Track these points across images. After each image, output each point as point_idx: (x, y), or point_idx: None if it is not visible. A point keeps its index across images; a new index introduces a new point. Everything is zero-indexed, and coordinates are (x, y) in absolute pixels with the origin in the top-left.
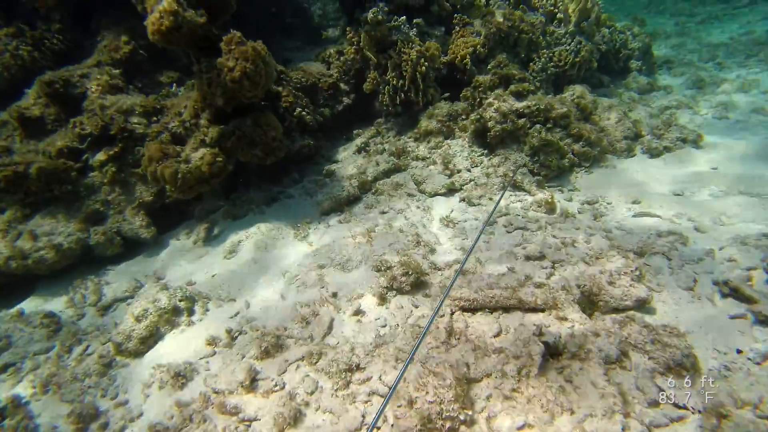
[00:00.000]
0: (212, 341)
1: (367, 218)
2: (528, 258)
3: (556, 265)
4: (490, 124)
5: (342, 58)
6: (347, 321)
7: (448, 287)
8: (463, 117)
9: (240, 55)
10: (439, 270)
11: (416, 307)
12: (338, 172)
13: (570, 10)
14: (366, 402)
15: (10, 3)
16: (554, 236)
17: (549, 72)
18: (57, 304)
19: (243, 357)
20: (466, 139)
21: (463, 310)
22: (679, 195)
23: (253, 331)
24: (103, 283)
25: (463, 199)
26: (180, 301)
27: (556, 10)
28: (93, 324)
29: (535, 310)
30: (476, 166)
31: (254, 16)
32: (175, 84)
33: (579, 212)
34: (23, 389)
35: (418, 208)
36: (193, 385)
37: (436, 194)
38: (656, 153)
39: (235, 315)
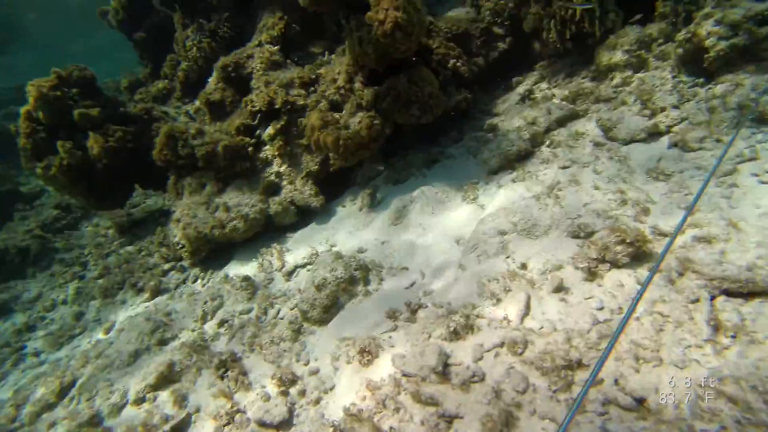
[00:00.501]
0: (392, 314)
1: (545, 175)
2: None
3: None
4: (708, 42)
5: None
6: (547, 299)
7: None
8: (660, 42)
9: (389, 5)
10: (666, 236)
11: (641, 284)
12: (502, 125)
13: None
14: (601, 415)
15: (191, 1)
16: None
17: None
18: (251, 269)
19: (429, 336)
20: (668, 70)
21: (728, 294)
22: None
23: (437, 308)
24: (284, 250)
25: (674, 144)
26: (355, 270)
27: None
28: (281, 290)
29: None
30: (688, 101)
31: None
32: (326, 52)
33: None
34: (236, 346)
35: (611, 159)
36: (380, 363)
37: (632, 140)
38: None
39: (411, 285)
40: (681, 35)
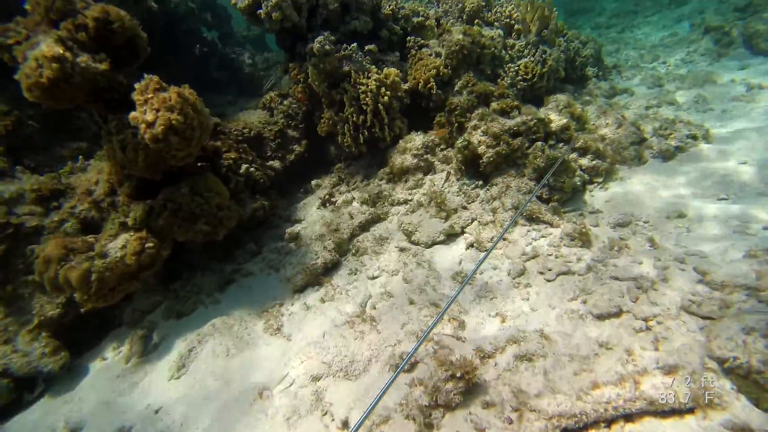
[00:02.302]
0: None
1: (355, 289)
2: (600, 317)
3: (651, 322)
4: (480, 149)
5: (286, 102)
6: None
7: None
8: (442, 147)
9: (160, 104)
10: (489, 356)
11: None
12: (304, 233)
13: (529, 19)
14: None
15: None
16: (617, 278)
17: (519, 87)
18: None
19: None
20: (452, 172)
21: None
22: (724, 199)
23: None
24: None
25: (471, 245)
26: None
27: (513, 22)
28: None
29: (679, 412)
30: (473, 201)
31: (174, 77)
32: (81, 157)
33: (621, 237)
34: None
35: (419, 265)
36: None
37: (434, 243)
38: (669, 155)
39: None
40: (459, 142)
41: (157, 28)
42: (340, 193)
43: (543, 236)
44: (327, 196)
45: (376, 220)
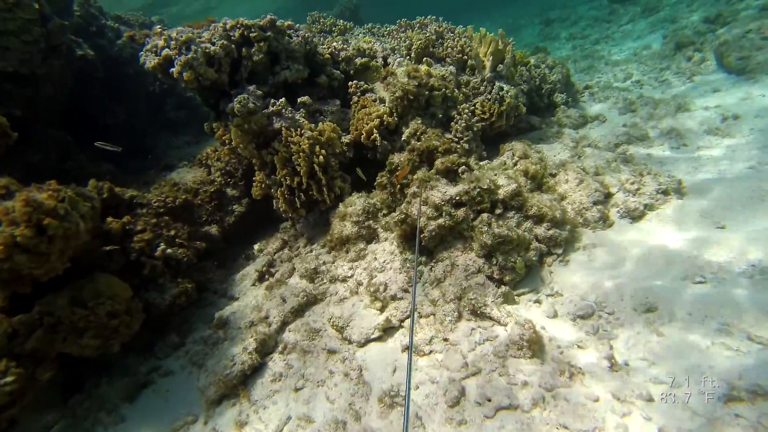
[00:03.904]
0: None
1: (274, 405)
2: None
3: None
4: (421, 221)
5: (224, 159)
6: None
7: None
8: (384, 212)
9: (2, 217)
10: None
11: None
12: (234, 319)
13: (482, 54)
14: None
15: None
16: (565, 427)
17: (475, 129)
18: None
19: None
20: (395, 242)
21: None
22: (701, 282)
23: None
24: None
25: (406, 348)
26: None
27: (466, 57)
28: None
29: None
30: (416, 283)
31: (121, 123)
32: None
33: (579, 345)
34: None
35: (347, 376)
36: None
37: (367, 341)
38: (638, 215)
39: None
40: (397, 214)
41: (96, 76)
42: (281, 261)
43: (488, 339)
44: (265, 268)
45: (312, 302)
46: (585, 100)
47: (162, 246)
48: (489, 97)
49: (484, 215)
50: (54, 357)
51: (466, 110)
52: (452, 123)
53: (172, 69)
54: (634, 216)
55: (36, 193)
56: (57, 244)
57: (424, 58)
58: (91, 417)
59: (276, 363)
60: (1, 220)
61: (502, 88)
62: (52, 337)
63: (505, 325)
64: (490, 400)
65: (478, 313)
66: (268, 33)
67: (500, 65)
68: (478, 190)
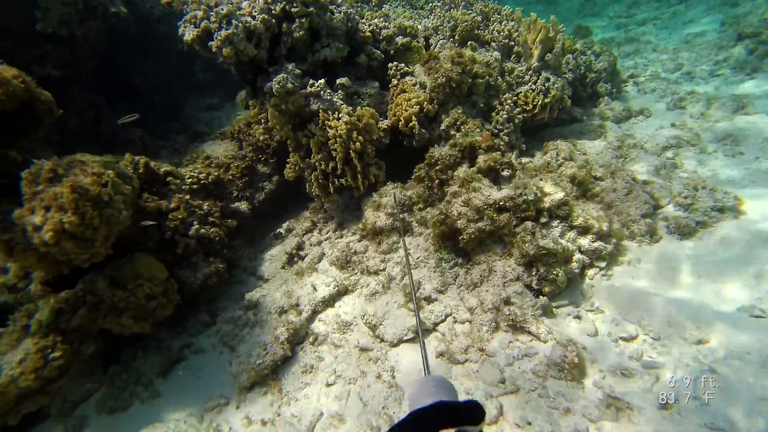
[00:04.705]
0: None
1: (306, 399)
2: None
3: None
4: (460, 223)
5: (257, 135)
6: None
7: None
8: (420, 206)
9: (50, 201)
10: None
11: None
12: (264, 302)
13: (530, 42)
14: None
15: None
16: None
17: (516, 121)
18: None
19: None
20: (430, 239)
21: None
22: (761, 317)
23: None
24: None
25: (441, 354)
26: None
27: (513, 43)
28: None
29: None
30: (450, 286)
31: (151, 84)
32: None
33: (623, 372)
34: None
35: (379, 377)
36: None
37: (400, 342)
38: (688, 232)
39: None
40: (436, 212)
41: (128, 35)
42: (311, 245)
43: (527, 356)
44: (294, 250)
45: (343, 292)
46: (629, 90)
47: (195, 225)
48: (534, 87)
49: (528, 223)
50: (96, 333)
51: (509, 100)
52: (493, 113)
53: (210, 42)
54: (684, 233)
55: (81, 176)
56: (102, 231)
57: (469, 42)
58: (128, 389)
59: (307, 354)
60: (50, 206)
61: (548, 79)
62: (95, 315)
63: (545, 341)
64: (530, 424)
65: (517, 327)
66: (311, 8)
67: (548, 54)
68: (524, 197)
